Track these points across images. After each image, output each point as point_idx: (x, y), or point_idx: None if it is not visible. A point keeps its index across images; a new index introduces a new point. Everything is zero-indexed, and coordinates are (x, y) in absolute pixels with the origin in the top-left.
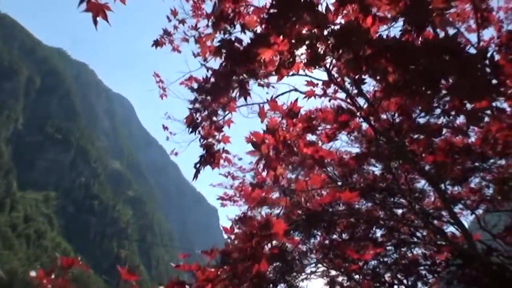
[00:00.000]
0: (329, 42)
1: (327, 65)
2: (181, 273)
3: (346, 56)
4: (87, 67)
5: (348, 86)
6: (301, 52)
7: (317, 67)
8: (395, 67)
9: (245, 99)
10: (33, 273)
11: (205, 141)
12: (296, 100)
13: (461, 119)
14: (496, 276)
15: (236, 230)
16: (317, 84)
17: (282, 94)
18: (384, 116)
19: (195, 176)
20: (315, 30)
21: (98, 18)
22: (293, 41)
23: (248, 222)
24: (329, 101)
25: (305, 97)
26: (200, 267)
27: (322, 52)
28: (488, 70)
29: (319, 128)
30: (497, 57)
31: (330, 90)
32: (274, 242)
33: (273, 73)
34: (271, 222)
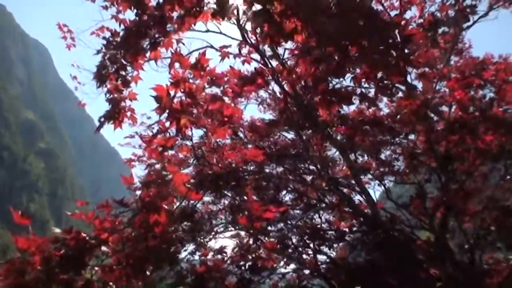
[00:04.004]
0: None
1: (242, 24)
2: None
3: (255, 10)
4: (4, 9)
5: (264, 47)
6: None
7: (225, 19)
8: (305, 27)
9: (155, 61)
10: None
11: (112, 96)
12: (204, 52)
13: (372, 90)
14: (397, 242)
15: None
16: (231, 45)
17: (197, 50)
18: (298, 85)
19: (98, 129)
20: None
21: None
22: None
23: (148, 171)
24: (243, 63)
25: (220, 57)
26: (98, 217)
27: (231, 3)
28: (400, 39)
29: (226, 85)
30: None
31: (245, 51)
32: (177, 197)
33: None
34: (169, 171)
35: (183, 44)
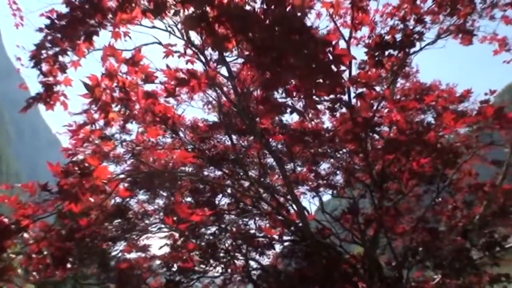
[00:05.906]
0: None
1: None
2: None
3: (188, 13)
4: None
5: (209, 51)
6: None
7: (158, 17)
8: (235, 35)
9: (87, 50)
10: None
11: (45, 78)
12: (140, 48)
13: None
14: (326, 254)
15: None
16: (176, 44)
17: (144, 45)
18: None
19: (25, 109)
20: None
21: None
22: None
23: (70, 161)
24: (187, 62)
25: (164, 55)
26: (21, 202)
27: (164, 3)
28: (330, 57)
29: (160, 82)
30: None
31: (190, 51)
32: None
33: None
34: (90, 164)
35: (130, 37)
